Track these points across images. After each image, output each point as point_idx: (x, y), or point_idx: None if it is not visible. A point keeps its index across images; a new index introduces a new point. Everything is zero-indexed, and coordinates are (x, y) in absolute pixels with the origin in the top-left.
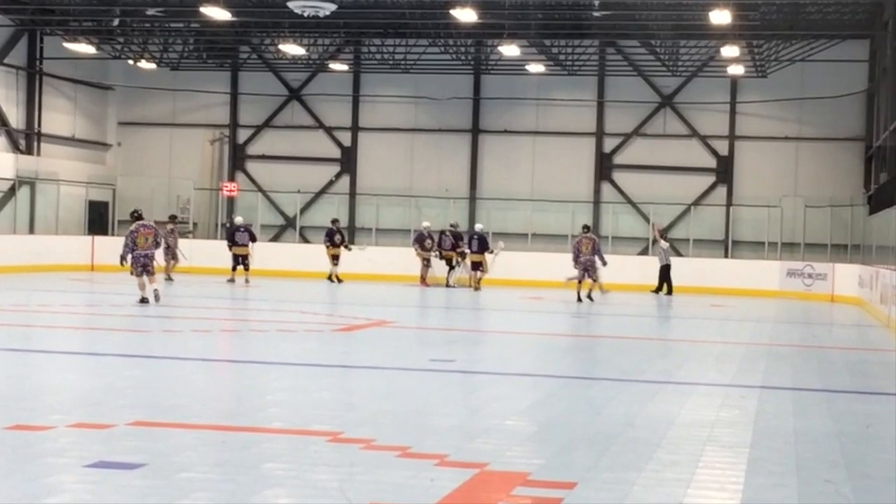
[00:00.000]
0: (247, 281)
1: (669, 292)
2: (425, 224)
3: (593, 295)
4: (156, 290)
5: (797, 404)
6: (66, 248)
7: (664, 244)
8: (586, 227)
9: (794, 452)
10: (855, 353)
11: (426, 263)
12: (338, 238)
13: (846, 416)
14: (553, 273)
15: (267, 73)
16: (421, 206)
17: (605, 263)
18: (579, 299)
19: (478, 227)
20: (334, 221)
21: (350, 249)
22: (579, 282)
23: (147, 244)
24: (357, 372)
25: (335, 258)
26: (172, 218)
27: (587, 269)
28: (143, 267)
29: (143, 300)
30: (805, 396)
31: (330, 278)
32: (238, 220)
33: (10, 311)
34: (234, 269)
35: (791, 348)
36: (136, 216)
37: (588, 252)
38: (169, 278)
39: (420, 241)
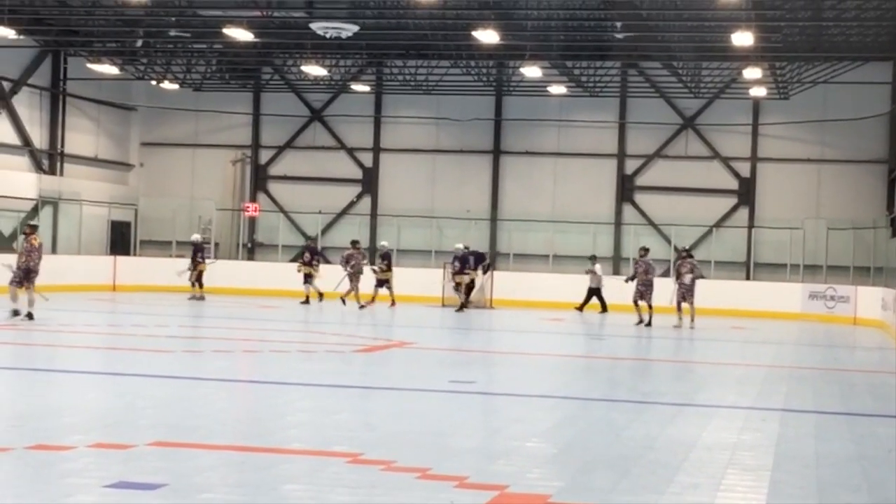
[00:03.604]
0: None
1: (604, 310)
2: (459, 245)
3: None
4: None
5: (819, 427)
6: (88, 268)
7: (598, 268)
8: (686, 251)
9: (815, 476)
10: (877, 376)
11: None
12: (307, 257)
13: (868, 439)
14: (573, 295)
15: (289, 94)
16: (442, 227)
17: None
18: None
19: (458, 246)
20: (354, 243)
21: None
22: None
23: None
24: (377, 393)
25: (309, 276)
26: (354, 244)
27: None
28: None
29: (15, 312)
30: (826, 420)
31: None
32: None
33: (33, 330)
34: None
35: (813, 371)
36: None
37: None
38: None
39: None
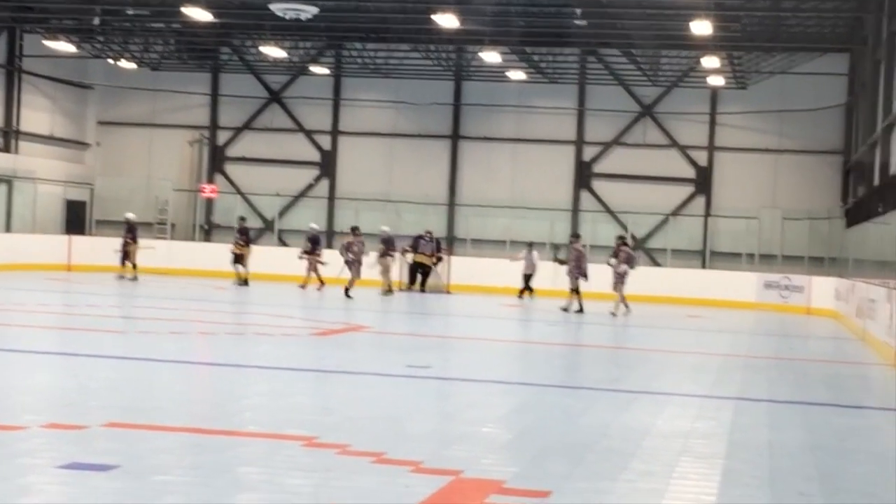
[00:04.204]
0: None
1: (530, 294)
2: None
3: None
4: None
5: (772, 416)
6: (43, 248)
7: (535, 255)
8: (622, 238)
9: (768, 465)
10: (830, 366)
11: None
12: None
13: (821, 428)
14: (533, 281)
15: (247, 75)
16: (400, 211)
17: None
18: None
19: (384, 228)
20: (354, 230)
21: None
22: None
23: None
24: (333, 377)
25: (241, 257)
26: (354, 230)
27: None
28: None
29: None
30: (780, 409)
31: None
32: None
33: None
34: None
35: (767, 360)
36: None
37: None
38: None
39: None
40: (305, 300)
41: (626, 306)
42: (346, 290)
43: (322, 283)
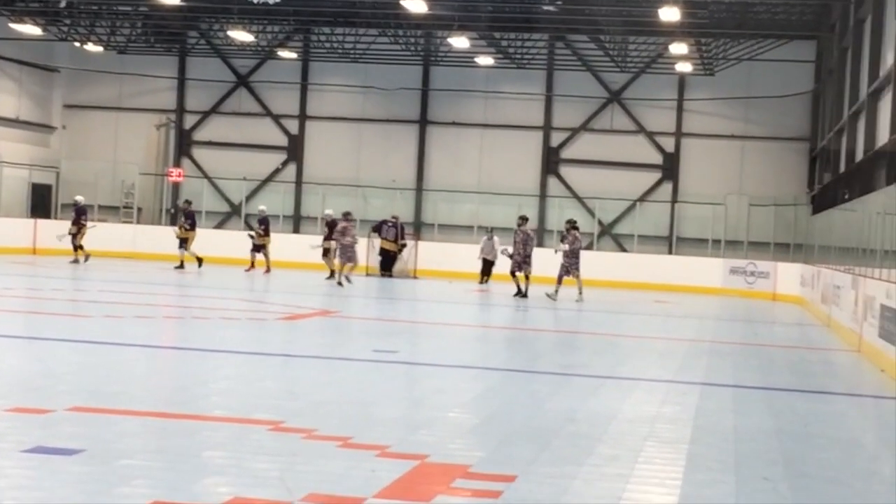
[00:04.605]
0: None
1: (487, 280)
2: (329, 212)
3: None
4: None
5: (737, 402)
6: (8, 231)
7: (496, 241)
8: (571, 223)
9: (733, 450)
10: (795, 351)
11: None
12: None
13: (786, 414)
14: (498, 266)
15: (215, 59)
16: (368, 196)
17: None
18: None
19: (327, 212)
20: (346, 215)
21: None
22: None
23: None
24: (300, 361)
25: (185, 241)
26: (346, 215)
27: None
28: None
29: None
30: (745, 394)
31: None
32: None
33: None
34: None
35: (733, 346)
36: None
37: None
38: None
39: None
40: (271, 284)
41: (580, 292)
42: (347, 276)
43: (269, 268)
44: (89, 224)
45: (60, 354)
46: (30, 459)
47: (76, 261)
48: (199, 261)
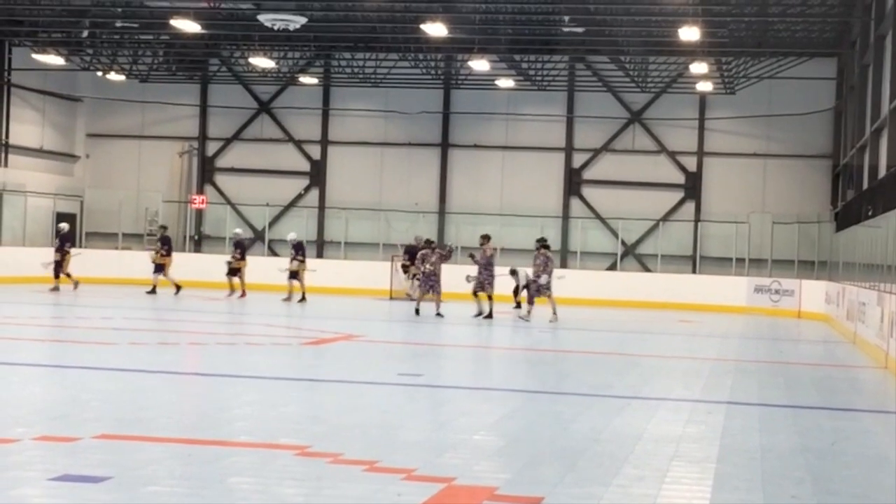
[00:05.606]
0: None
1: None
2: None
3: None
4: None
5: (763, 420)
6: (33, 260)
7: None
8: (541, 241)
9: (759, 468)
10: (821, 369)
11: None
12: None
13: (812, 432)
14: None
15: (236, 86)
16: (390, 220)
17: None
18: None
19: (291, 235)
20: (429, 242)
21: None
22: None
23: None
24: (325, 386)
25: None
26: (429, 242)
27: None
28: None
29: None
30: (771, 412)
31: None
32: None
33: None
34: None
35: (758, 364)
36: None
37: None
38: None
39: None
40: (294, 310)
41: (555, 313)
42: (436, 306)
43: (244, 292)
44: (73, 251)
45: (86, 382)
46: (57, 487)
47: (56, 288)
48: (178, 287)
